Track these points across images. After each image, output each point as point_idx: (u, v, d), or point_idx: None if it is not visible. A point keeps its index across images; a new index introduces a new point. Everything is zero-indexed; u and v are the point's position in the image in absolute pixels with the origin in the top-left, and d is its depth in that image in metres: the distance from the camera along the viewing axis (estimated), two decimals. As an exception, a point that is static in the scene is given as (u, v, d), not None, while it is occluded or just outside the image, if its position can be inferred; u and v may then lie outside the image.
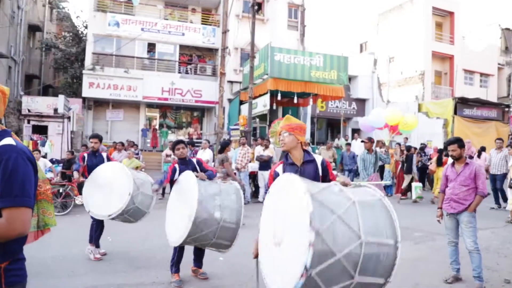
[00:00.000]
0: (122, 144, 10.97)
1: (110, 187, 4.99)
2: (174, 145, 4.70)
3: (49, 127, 17.13)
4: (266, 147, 9.70)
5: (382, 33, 27.49)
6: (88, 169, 5.49)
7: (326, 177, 3.01)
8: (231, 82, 20.28)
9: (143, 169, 12.63)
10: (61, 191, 8.93)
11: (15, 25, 20.92)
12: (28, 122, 17.46)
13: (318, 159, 3.06)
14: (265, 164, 9.60)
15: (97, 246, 5.48)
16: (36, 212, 2.02)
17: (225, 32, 13.24)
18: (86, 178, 5.48)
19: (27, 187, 1.62)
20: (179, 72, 21.18)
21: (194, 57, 22.21)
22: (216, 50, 21.52)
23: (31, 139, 13.77)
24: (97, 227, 5.45)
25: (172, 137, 20.64)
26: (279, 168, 3.03)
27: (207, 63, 22.41)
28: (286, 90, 14.56)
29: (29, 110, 17.41)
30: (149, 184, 5.15)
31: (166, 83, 20.20)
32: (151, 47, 20.94)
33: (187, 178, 4.17)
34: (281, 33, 21.22)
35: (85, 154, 5.72)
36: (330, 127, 24.69)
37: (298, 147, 2.99)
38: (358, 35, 30.05)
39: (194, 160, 4.76)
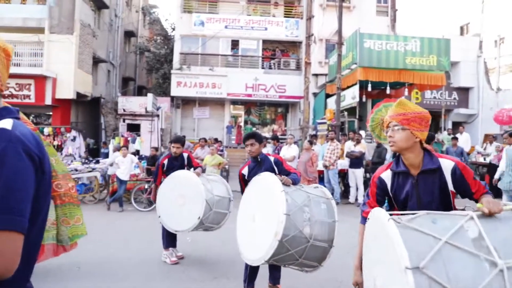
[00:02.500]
0: (205, 140, 10.85)
1: (182, 200, 4.68)
2: (244, 140, 3.98)
3: (141, 125, 18.01)
4: (358, 142, 8.70)
5: (488, 11, 24.09)
6: (168, 172, 5.16)
7: (465, 193, 2.02)
8: (316, 75, 19.35)
9: (226, 166, 12.51)
10: (146, 187, 9.01)
11: (113, 32, 22.52)
12: (124, 121, 18.58)
13: (447, 165, 2.03)
14: (356, 161, 8.61)
15: (174, 246, 5.15)
16: (55, 219, 1.47)
17: (309, 18, 12.40)
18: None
19: (16, 197, 1.03)
20: (263, 68, 20.87)
21: (277, 52, 21.73)
22: (300, 43, 20.79)
23: (122, 136, 14.50)
24: (169, 231, 5.10)
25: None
26: (385, 174, 2.17)
27: (290, 57, 21.76)
28: (377, 80, 13.23)
29: (124, 110, 18.50)
30: (225, 201, 4.70)
31: (249, 79, 20.03)
32: (235, 43, 20.94)
33: (268, 183, 3.29)
34: (369, 20, 19.62)
35: (165, 161, 5.31)
36: (427, 120, 22.32)
37: (415, 147, 2.06)
38: (458, 17, 26.78)
39: (272, 158, 3.96)
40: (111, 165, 9.63)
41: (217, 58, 20.75)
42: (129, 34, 25.07)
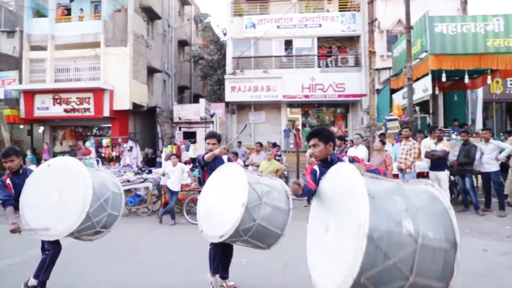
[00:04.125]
0: (261, 145, 10.03)
1: (225, 196, 3.64)
2: (308, 139, 3.09)
3: (197, 132, 17.72)
4: (439, 139, 7.29)
5: None
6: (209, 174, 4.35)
7: None
8: (377, 69, 17.80)
9: (285, 172, 11.57)
10: (198, 198, 8.34)
11: (166, 42, 22.71)
12: (180, 129, 18.45)
13: None
14: (439, 162, 7.18)
15: (224, 277, 4.28)
16: None
17: (371, 1, 11.09)
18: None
19: None
20: (319, 66, 19.72)
21: (333, 49, 20.46)
22: (358, 37, 19.39)
23: (175, 144, 14.19)
24: (216, 250, 4.20)
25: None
26: None
27: (348, 53, 20.39)
28: (453, 69, 11.55)
29: (179, 118, 18.37)
30: (282, 194, 3.65)
31: (305, 79, 19.00)
32: (288, 44, 20.05)
33: (348, 184, 2.33)
34: (436, 4, 17.71)
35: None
36: (509, 113, 19.73)
37: None
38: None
39: (346, 159, 3.06)
40: (163, 175, 9.14)
41: (271, 60, 19.99)
42: (182, 43, 25.23)
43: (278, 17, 19.52)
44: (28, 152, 16.59)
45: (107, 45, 16.79)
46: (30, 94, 16.94)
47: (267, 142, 14.28)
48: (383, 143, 7.38)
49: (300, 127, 20.59)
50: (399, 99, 13.54)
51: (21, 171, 4.02)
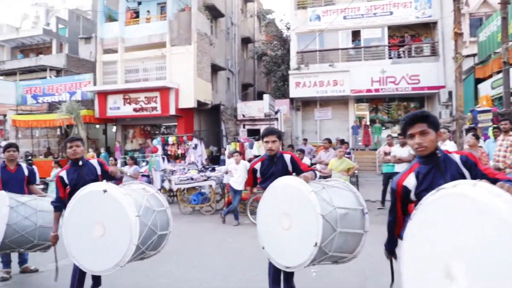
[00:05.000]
0: (330, 141, 9.29)
1: (290, 222, 2.98)
2: (410, 124, 2.31)
3: (261, 130, 17.30)
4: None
5: None
6: (265, 179, 3.74)
7: None
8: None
9: (356, 171, 10.69)
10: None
11: (230, 40, 22.67)
12: (244, 127, 18.23)
13: None
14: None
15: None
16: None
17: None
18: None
19: None
20: (390, 58, 18.34)
21: (406, 38, 18.91)
22: (434, 23, 17.68)
23: (238, 141, 13.89)
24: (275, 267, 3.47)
25: (386, 133, 18.00)
26: None
27: (423, 42, 18.71)
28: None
29: (243, 115, 18.15)
30: (358, 213, 3.01)
31: (375, 72, 17.75)
32: (356, 35, 18.90)
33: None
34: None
35: (257, 165, 3.86)
36: None
37: None
38: None
39: (457, 156, 2.29)
40: (226, 173, 8.80)
41: (337, 53, 18.99)
42: (246, 41, 25.08)
43: (344, 7, 18.46)
44: (102, 150, 17.43)
45: (172, 44, 17.04)
46: (103, 95, 17.77)
47: (335, 139, 13.46)
48: (477, 137, 6.28)
49: (368, 122, 19.38)
50: (487, 89, 11.95)
51: (81, 162, 3.86)
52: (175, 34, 17.14)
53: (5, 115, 21.17)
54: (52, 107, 18.46)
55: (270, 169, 3.70)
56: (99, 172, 3.92)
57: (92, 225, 3.32)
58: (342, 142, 12.70)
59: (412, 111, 2.42)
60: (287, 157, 3.78)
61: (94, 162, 4.00)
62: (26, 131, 19.89)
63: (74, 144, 3.83)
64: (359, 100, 19.54)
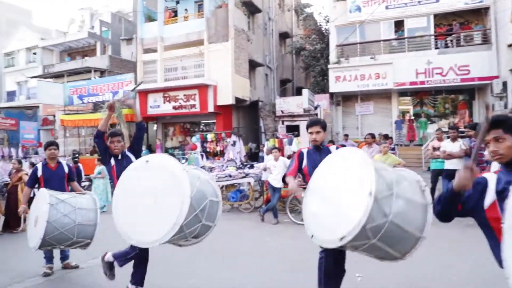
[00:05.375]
0: (373, 136, 8.84)
1: (342, 188, 2.69)
2: (491, 128, 2.02)
3: (300, 126, 17.01)
4: None
5: None
6: (310, 168, 3.50)
7: None
8: (510, 45, 14.88)
9: (403, 167, 10.14)
10: (303, 195, 7.57)
11: (267, 35, 22.44)
12: (282, 123, 17.96)
13: None
14: None
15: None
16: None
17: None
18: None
19: None
20: (436, 48, 17.35)
21: (454, 26, 17.78)
22: (486, 9, 16.49)
23: (277, 137, 13.63)
24: (329, 261, 3.32)
25: (432, 128, 17.10)
26: None
27: (473, 30, 17.52)
28: None
29: (282, 111, 17.90)
30: (414, 185, 2.65)
31: (420, 63, 16.85)
32: (399, 25, 18.04)
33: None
34: None
35: (303, 152, 3.74)
36: None
37: None
38: None
39: None
40: (265, 169, 8.60)
41: (379, 45, 18.22)
42: (283, 36, 24.75)
43: (386, -4, 17.68)
44: (143, 148, 17.80)
45: (210, 41, 17.07)
46: (144, 94, 18.14)
47: (378, 135, 12.88)
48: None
49: (413, 117, 18.47)
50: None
51: (120, 156, 4.06)
52: (213, 31, 17.15)
53: (54, 116, 22.24)
54: (97, 107, 19.11)
55: (315, 160, 3.45)
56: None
57: (143, 194, 3.27)
58: (386, 137, 12.11)
59: (494, 116, 2.06)
60: (333, 149, 3.62)
61: (130, 155, 4.17)
62: (73, 130, 20.76)
63: (115, 139, 4.00)
64: (402, 93, 18.66)
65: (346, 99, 19.43)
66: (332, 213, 2.70)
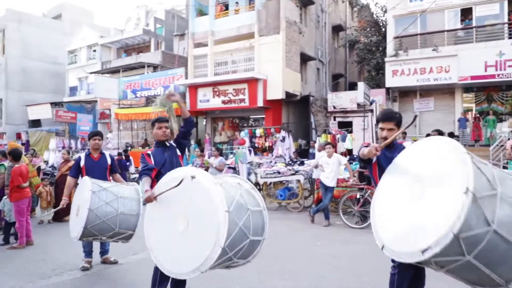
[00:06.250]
0: (440, 132, 7.95)
1: (427, 188, 2.10)
2: None
3: (353, 122, 16.17)
4: None
5: None
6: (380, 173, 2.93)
7: None
8: None
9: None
10: (358, 196, 6.92)
11: (320, 28, 21.63)
12: (334, 119, 17.18)
13: None
14: None
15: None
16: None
17: None
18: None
19: None
20: (510, 37, 15.64)
21: (531, 13, 15.95)
22: None
23: (329, 133, 12.90)
24: (404, 277, 2.74)
25: (502, 127, 15.53)
26: None
27: (555, 16, 15.61)
28: None
29: (334, 107, 17.12)
30: None
31: (490, 55, 15.27)
32: (466, 13, 16.51)
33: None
34: None
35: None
36: None
37: None
38: None
39: None
40: (316, 167, 8.03)
41: (442, 35, 16.80)
42: (337, 28, 23.77)
43: (452, -18, 16.24)
44: (192, 142, 17.83)
45: (261, 34, 16.66)
46: (194, 88, 18.16)
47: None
48: None
49: (478, 114, 16.87)
50: None
51: (168, 143, 3.74)
52: (263, 24, 16.72)
53: (109, 109, 23.05)
54: (149, 101, 19.47)
55: (387, 158, 2.91)
56: (179, 153, 3.77)
57: (175, 216, 2.84)
58: (451, 135, 11.03)
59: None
60: (407, 145, 3.02)
61: (174, 146, 3.84)
62: (126, 123, 21.37)
63: (163, 124, 3.71)
64: (468, 88, 17.11)
65: (404, 94, 18.18)
66: (411, 218, 2.11)
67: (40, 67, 32.32)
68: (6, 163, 6.69)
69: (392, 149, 2.99)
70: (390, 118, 3.01)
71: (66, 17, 35.70)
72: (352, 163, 8.43)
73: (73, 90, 30.32)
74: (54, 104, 25.94)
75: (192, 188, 2.75)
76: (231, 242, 2.61)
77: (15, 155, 6.26)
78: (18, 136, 26.33)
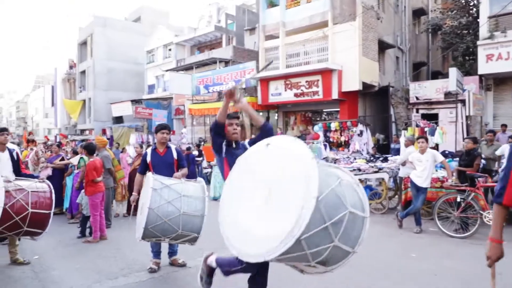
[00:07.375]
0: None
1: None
2: None
3: (440, 114, 14.56)
4: None
5: None
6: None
7: None
8: None
9: None
10: (458, 199, 5.88)
11: (399, 13, 19.99)
12: (417, 111, 15.69)
13: None
14: None
15: None
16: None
17: None
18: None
19: None
20: None
21: None
22: None
23: (417, 125, 11.60)
24: None
25: None
26: None
27: None
28: None
29: (417, 98, 15.59)
30: None
31: None
32: None
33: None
34: None
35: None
36: None
37: None
38: None
39: None
40: (403, 164, 7.09)
41: (551, 11, 14.40)
42: (418, 13, 21.78)
43: None
44: (264, 138, 17.47)
45: (335, 22, 15.69)
46: (265, 82, 17.76)
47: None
48: None
49: None
50: None
51: (235, 145, 3.32)
52: (338, 11, 15.72)
53: (184, 105, 23.66)
54: (221, 96, 19.51)
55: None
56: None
57: (256, 187, 2.37)
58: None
59: None
60: None
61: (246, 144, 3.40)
62: (200, 118, 21.72)
63: (234, 121, 3.32)
64: None
65: (499, 82, 15.96)
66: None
67: (122, 68, 34.54)
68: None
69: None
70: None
71: (145, 19, 37.67)
72: (446, 160, 7.27)
73: (151, 88, 31.83)
74: (134, 102, 27.36)
75: (284, 158, 2.32)
76: (310, 238, 2.05)
77: (89, 150, 6.29)
78: (104, 131, 28.25)
